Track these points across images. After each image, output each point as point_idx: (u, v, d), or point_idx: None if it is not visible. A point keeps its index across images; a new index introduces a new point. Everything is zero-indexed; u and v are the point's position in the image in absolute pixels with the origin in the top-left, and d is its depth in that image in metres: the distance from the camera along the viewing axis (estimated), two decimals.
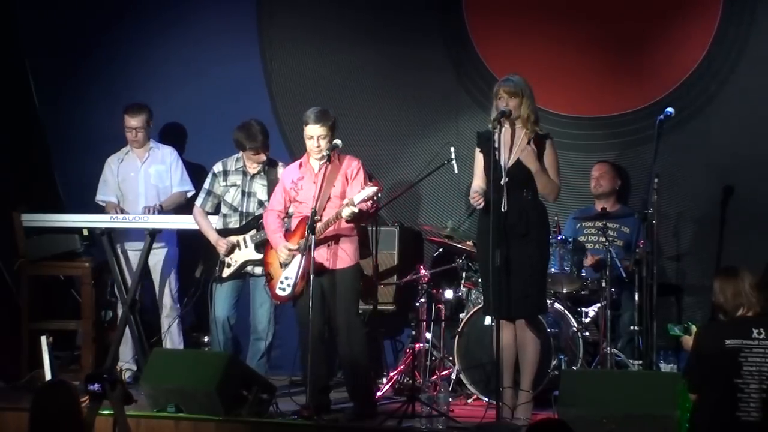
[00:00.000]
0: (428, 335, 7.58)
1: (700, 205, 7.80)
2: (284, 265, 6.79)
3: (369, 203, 6.55)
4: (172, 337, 7.94)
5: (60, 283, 8.39)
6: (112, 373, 4.98)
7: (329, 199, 6.69)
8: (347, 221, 6.60)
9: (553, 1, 8.11)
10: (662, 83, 7.85)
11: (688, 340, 5.83)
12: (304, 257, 6.57)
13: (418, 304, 7.65)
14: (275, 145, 7.83)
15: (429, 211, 8.30)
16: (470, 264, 7.53)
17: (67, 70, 8.99)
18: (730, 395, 5.23)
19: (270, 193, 7.26)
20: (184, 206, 7.91)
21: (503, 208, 6.34)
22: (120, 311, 7.97)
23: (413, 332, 7.76)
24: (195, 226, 7.63)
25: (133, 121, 8.04)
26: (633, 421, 5.82)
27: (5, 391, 7.53)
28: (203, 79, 8.70)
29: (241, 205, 7.49)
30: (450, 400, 6.73)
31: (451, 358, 7.40)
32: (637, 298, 7.13)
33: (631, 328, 7.27)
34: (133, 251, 8.00)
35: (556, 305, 7.28)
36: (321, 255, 6.65)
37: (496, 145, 6.32)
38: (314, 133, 6.69)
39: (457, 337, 7.26)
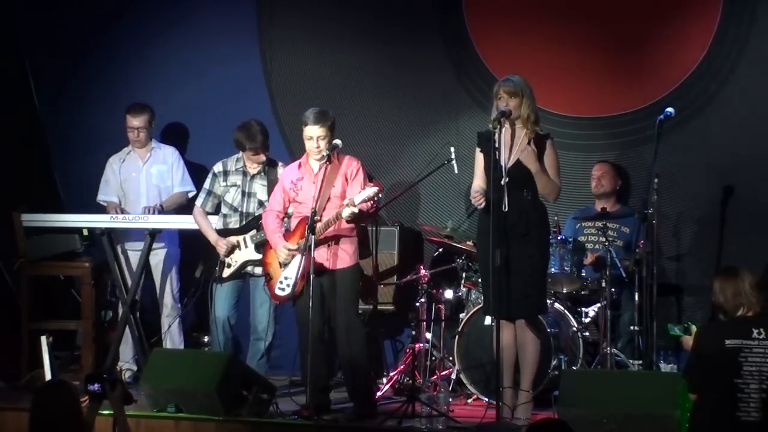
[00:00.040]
0: (428, 335, 7.58)
1: (700, 205, 7.80)
2: (283, 265, 6.79)
3: (369, 203, 6.55)
4: (172, 337, 7.94)
5: (60, 283, 8.39)
6: (112, 373, 4.97)
7: (329, 199, 6.69)
8: (347, 221, 6.60)
9: (553, 1, 8.10)
10: (662, 83, 7.85)
11: (688, 340, 5.83)
12: (303, 257, 6.57)
13: (418, 304, 7.65)
14: (275, 145, 7.83)
15: (429, 211, 8.30)
16: (470, 264, 7.53)
17: (67, 70, 8.99)
18: (730, 395, 5.23)
19: (270, 193, 7.26)
20: (185, 206, 7.91)
21: (504, 208, 6.34)
22: (120, 311, 7.96)
23: (413, 332, 7.76)
24: (195, 226, 7.63)
25: (135, 121, 8.04)
26: (633, 421, 5.82)
27: (5, 391, 7.53)
28: (203, 79, 8.70)
29: (241, 205, 7.49)
30: (450, 400, 6.74)
31: (451, 358, 7.40)
32: (637, 298, 7.13)
33: (631, 328, 7.27)
34: (134, 251, 8.01)
35: (556, 305, 7.28)
36: (321, 255, 6.65)
37: (496, 146, 6.32)
38: (313, 133, 6.69)
39: (457, 337, 7.26)
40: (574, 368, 7.10)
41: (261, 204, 7.39)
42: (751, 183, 7.62)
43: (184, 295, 8.04)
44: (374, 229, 6.83)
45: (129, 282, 7.92)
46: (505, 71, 6.87)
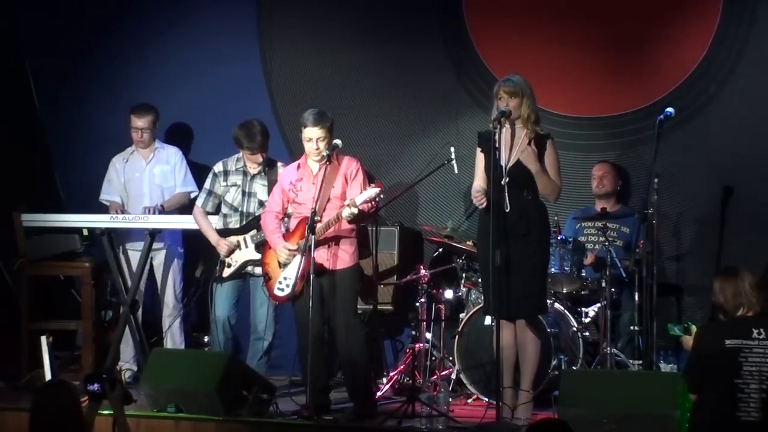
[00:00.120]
0: (428, 335, 7.58)
1: (700, 205, 7.80)
2: (283, 265, 6.79)
3: (369, 204, 6.55)
4: (173, 337, 7.94)
5: (60, 283, 8.39)
6: (111, 373, 4.96)
7: (329, 200, 6.69)
8: (348, 222, 6.60)
9: (553, 1, 8.10)
10: (662, 83, 7.85)
11: (688, 340, 5.83)
12: (303, 258, 6.57)
13: (418, 304, 7.65)
14: (275, 145, 7.83)
15: (429, 211, 8.30)
16: (470, 264, 7.53)
17: (67, 70, 8.99)
18: (730, 395, 5.23)
19: (270, 193, 7.26)
20: (187, 206, 7.90)
21: (506, 208, 6.34)
22: (121, 311, 7.96)
23: (413, 332, 7.76)
24: (195, 226, 7.63)
25: (140, 122, 8.05)
26: (633, 421, 5.82)
27: (5, 391, 7.53)
28: (203, 79, 8.70)
29: (242, 205, 7.49)
30: (450, 400, 6.73)
31: (451, 358, 7.40)
32: (637, 298, 7.13)
33: (631, 328, 7.27)
34: (135, 251, 8.00)
35: (556, 305, 7.28)
36: (321, 255, 6.65)
37: (497, 146, 6.32)
38: (313, 135, 6.69)
39: (457, 337, 7.26)
40: (574, 368, 7.10)
41: (261, 204, 7.39)
42: (751, 183, 7.62)
43: (186, 295, 8.05)
44: (374, 229, 6.83)
45: (129, 282, 7.92)
46: (505, 71, 6.87)
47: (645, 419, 5.80)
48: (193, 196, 7.96)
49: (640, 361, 7.06)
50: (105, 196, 8.16)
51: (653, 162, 6.94)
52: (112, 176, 8.16)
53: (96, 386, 4.79)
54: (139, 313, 7.97)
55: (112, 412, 4.92)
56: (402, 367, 7.56)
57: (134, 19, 8.89)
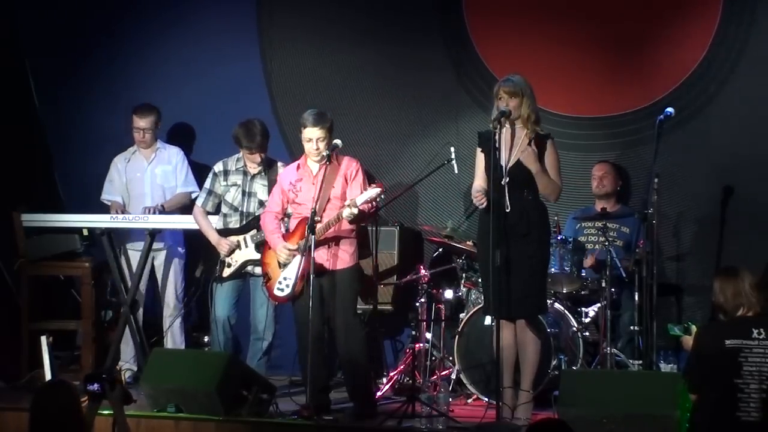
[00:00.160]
0: (428, 335, 7.58)
1: (700, 205, 7.80)
2: (283, 265, 6.79)
3: (370, 204, 6.55)
4: (174, 337, 7.94)
5: (60, 283, 8.39)
6: (111, 373, 4.96)
7: (329, 200, 6.69)
8: (348, 222, 6.60)
9: (553, 1, 8.10)
10: (662, 83, 7.85)
11: (688, 340, 5.83)
12: (303, 258, 6.57)
13: (418, 304, 7.65)
14: (275, 145, 7.83)
15: (429, 211, 8.30)
16: (470, 264, 7.53)
17: (67, 70, 8.99)
18: (730, 395, 5.23)
19: (270, 193, 7.25)
20: (189, 207, 7.90)
21: (506, 208, 6.34)
22: (121, 311, 7.97)
23: (413, 332, 7.76)
24: (195, 226, 7.63)
25: (142, 122, 8.04)
26: (633, 421, 5.82)
27: (5, 391, 7.52)
28: (203, 79, 8.70)
29: (242, 205, 7.49)
30: (450, 400, 6.73)
31: (451, 358, 7.40)
32: (637, 298, 7.13)
33: (631, 328, 7.27)
34: (136, 251, 8.00)
35: (556, 305, 7.28)
36: (321, 256, 6.65)
37: (497, 146, 6.32)
38: (312, 135, 6.69)
39: (457, 337, 7.25)
40: (574, 368, 7.10)
41: (261, 204, 7.39)
42: (751, 183, 7.62)
43: (187, 295, 8.05)
44: (374, 229, 6.83)
45: (129, 282, 7.92)
46: (505, 71, 6.87)
47: (645, 419, 5.80)
48: (194, 196, 7.96)
49: (640, 361, 7.05)
50: (106, 196, 8.16)
51: (653, 162, 6.94)
52: (114, 176, 8.16)
53: (96, 386, 4.79)
54: (140, 313, 7.98)
55: (112, 412, 4.93)
56: (402, 367, 7.56)
57: (134, 19, 8.89)
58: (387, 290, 7.83)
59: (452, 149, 7.36)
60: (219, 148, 7.90)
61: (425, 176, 7.42)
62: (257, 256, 7.26)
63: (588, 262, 7.44)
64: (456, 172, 7.43)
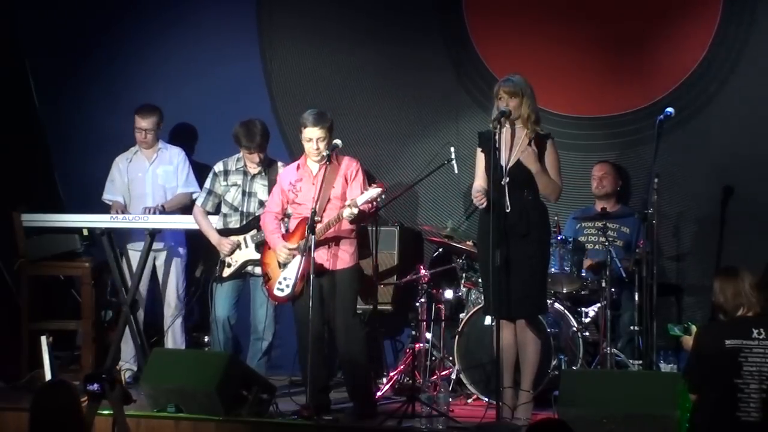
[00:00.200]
0: (428, 335, 7.58)
1: (700, 205, 7.80)
2: (283, 265, 6.79)
3: (370, 204, 6.55)
4: (174, 337, 7.94)
5: (60, 283, 8.39)
6: (111, 373, 4.96)
7: (329, 200, 6.69)
8: (349, 222, 6.60)
9: (553, 1, 8.10)
10: (662, 83, 7.85)
11: (688, 340, 5.83)
12: (303, 258, 6.57)
13: (418, 304, 7.65)
14: (275, 145, 7.83)
15: (429, 211, 8.30)
16: (470, 264, 7.53)
17: (67, 70, 8.99)
18: (730, 395, 5.23)
19: (270, 193, 7.25)
20: (189, 207, 7.89)
21: (507, 208, 6.34)
22: (121, 311, 7.97)
23: (413, 332, 7.76)
24: (195, 226, 7.63)
25: (144, 123, 8.04)
26: (633, 421, 5.82)
27: (5, 391, 7.52)
28: (203, 79, 8.70)
29: (242, 205, 7.49)
30: (450, 400, 6.73)
31: (451, 358, 7.40)
32: (637, 298, 7.13)
33: (631, 328, 7.27)
34: (137, 251, 7.99)
35: (556, 305, 7.28)
36: (321, 256, 6.65)
37: (497, 146, 6.31)
38: (313, 135, 6.69)
39: (457, 337, 7.25)
40: (574, 368, 7.10)
41: (261, 204, 7.39)
42: (751, 183, 7.62)
43: (188, 295, 8.06)
44: (374, 229, 6.83)
45: (129, 282, 7.91)
46: (505, 71, 6.87)
47: (645, 419, 5.80)
48: (194, 196, 7.95)
49: (640, 361, 7.05)
50: (108, 196, 8.16)
51: (653, 162, 6.94)
52: (115, 176, 8.16)
53: (95, 386, 4.79)
54: (140, 313, 7.97)
55: (111, 412, 4.93)
56: (402, 367, 7.56)
57: (134, 19, 8.88)
58: (387, 290, 7.83)
59: (452, 149, 7.36)
60: (219, 148, 7.90)
61: (425, 176, 7.42)
62: (257, 256, 7.26)
63: (586, 263, 7.44)
64: (456, 172, 7.44)
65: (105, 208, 8.11)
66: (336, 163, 6.73)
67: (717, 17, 7.74)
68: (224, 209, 7.55)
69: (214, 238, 7.46)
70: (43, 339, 7.33)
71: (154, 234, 7.82)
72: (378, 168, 8.14)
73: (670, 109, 7.03)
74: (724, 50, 7.75)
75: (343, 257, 6.71)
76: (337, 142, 6.72)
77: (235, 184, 7.52)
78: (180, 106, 8.61)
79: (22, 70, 8.97)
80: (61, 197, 8.95)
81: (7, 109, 8.69)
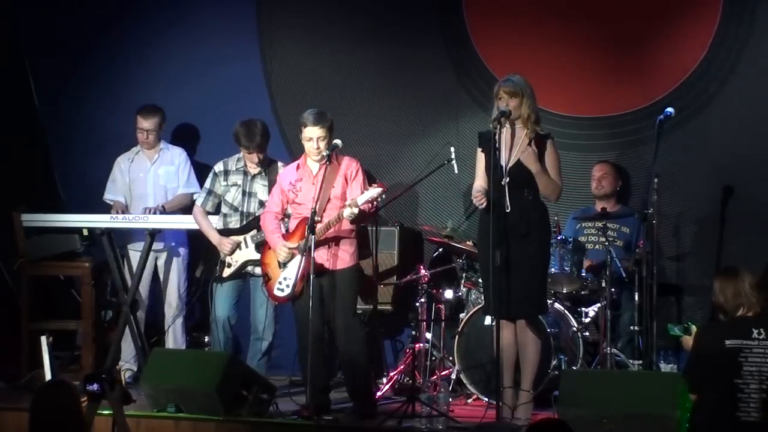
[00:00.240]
0: (428, 335, 7.58)
1: (700, 205, 7.80)
2: (283, 265, 6.79)
3: (370, 204, 6.55)
4: (175, 337, 7.94)
5: (60, 283, 8.39)
6: (111, 373, 4.96)
7: (329, 200, 6.69)
8: (349, 222, 6.60)
9: (553, 1, 8.10)
10: (662, 83, 7.85)
11: (688, 340, 5.83)
12: (303, 258, 6.57)
13: (418, 304, 7.65)
14: (275, 145, 7.83)
15: (429, 211, 8.30)
16: (470, 264, 7.53)
17: (67, 70, 8.99)
18: (730, 395, 5.23)
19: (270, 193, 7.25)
20: (190, 208, 7.88)
21: (507, 208, 6.34)
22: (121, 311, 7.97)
23: (413, 332, 7.76)
24: (194, 226, 7.63)
25: (146, 123, 8.04)
26: (633, 421, 5.82)
27: (5, 391, 7.52)
28: (203, 79, 8.70)
29: (242, 205, 7.49)
30: (450, 400, 6.73)
31: (451, 358, 7.40)
32: (637, 298, 7.13)
33: (631, 328, 7.26)
34: (138, 252, 7.97)
35: (556, 305, 7.28)
36: (321, 256, 6.65)
37: (497, 146, 6.31)
38: (313, 134, 6.69)
39: (457, 337, 7.25)
40: (574, 368, 7.10)
41: (261, 204, 7.38)
42: (751, 183, 7.62)
43: (188, 295, 8.06)
44: (374, 229, 6.83)
45: (130, 282, 7.91)
46: (505, 71, 6.87)
47: (645, 419, 5.80)
48: (195, 197, 7.95)
49: (640, 361, 7.05)
50: (109, 196, 8.16)
51: (653, 162, 6.94)
52: (117, 176, 8.16)
53: (95, 386, 4.79)
54: (141, 313, 7.97)
55: (111, 412, 4.93)
56: (402, 367, 7.56)
57: (134, 19, 8.88)
58: (387, 290, 7.83)
59: (452, 149, 7.37)
60: (219, 148, 7.90)
61: (425, 176, 7.42)
62: (257, 256, 7.26)
63: (586, 263, 7.44)
64: (456, 172, 7.44)
65: (105, 208, 8.10)
66: (336, 163, 6.73)
67: (717, 17, 7.74)
68: (224, 209, 7.55)
69: (214, 238, 7.46)
70: (43, 339, 7.33)
71: (154, 234, 7.82)
72: (378, 168, 8.14)
73: (670, 109, 7.03)
74: (724, 50, 7.75)
75: (343, 257, 6.71)
76: (337, 142, 6.72)
77: (235, 184, 7.52)
78: (180, 106, 8.61)
79: (22, 70, 8.97)
80: (61, 197, 8.95)
81: (7, 109, 8.69)
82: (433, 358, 7.55)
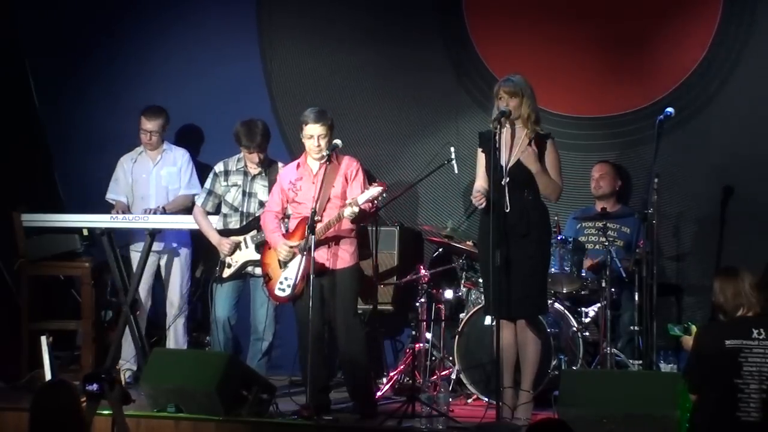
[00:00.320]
0: (428, 335, 7.58)
1: (700, 205, 7.80)
2: (283, 265, 6.79)
3: (370, 203, 6.55)
4: (177, 337, 7.94)
5: (60, 283, 8.39)
6: (110, 373, 4.96)
7: (329, 199, 6.69)
8: (350, 221, 6.60)
9: (553, 1, 8.10)
10: (662, 83, 7.85)
11: (688, 340, 5.83)
12: (303, 258, 6.57)
13: (418, 304, 7.64)
14: (275, 145, 7.83)
15: (429, 211, 8.30)
16: (470, 264, 7.53)
17: (67, 70, 8.99)
18: (730, 395, 5.23)
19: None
20: (191, 209, 7.86)
21: (506, 208, 6.34)
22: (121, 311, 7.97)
23: (413, 332, 7.76)
24: (194, 226, 7.63)
25: (149, 125, 8.04)
26: (633, 421, 5.82)
27: (5, 391, 7.53)
28: (203, 79, 8.70)
29: (242, 205, 7.49)
30: (450, 400, 6.73)
31: (451, 358, 7.40)
32: (637, 298, 7.13)
33: (631, 328, 7.27)
34: (139, 252, 7.98)
35: (556, 305, 7.28)
36: (321, 255, 6.65)
37: (497, 146, 6.31)
38: (314, 132, 6.69)
39: (457, 337, 7.25)
40: (574, 368, 7.10)
41: (261, 204, 7.38)
42: (751, 183, 7.62)
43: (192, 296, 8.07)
44: (374, 229, 6.83)
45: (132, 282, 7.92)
46: (505, 71, 6.87)
47: (645, 419, 5.80)
48: (196, 198, 7.94)
49: (640, 361, 7.05)
50: (111, 195, 8.17)
51: (653, 162, 6.94)
52: (120, 176, 8.16)
53: (95, 386, 4.79)
54: (142, 313, 7.97)
55: (111, 412, 4.93)
56: (402, 367, 7.56)
57: (134, 19, 8.89)
58: (387, 290, 7.83)
59: (452, 149, 7.36)
60: (218, 148, 7.90)
61: (425, 176, 7.42)
62: (257, 256, 7.25)
63: (586, 263, 7.44)
64: (456, 172, 7.44)
65: (105, 208, 8.10)
66: (336, 162, 6.73)
67: (717, 17, 7.74)
68: (224, 209, 7.55)
69: (214, 238, 7.46)
70: (43, 339, 7.33)
71: (154, 234, 7.82)
72: (378, 168, 8.14)
73: (670, 109, 7.03)
74: (724, 50, 7.75)
75: (343, 257, 6.71)
76: (337, 142, 6.72)
77: (235, 185, 7.52)
78: (180, 106, 8.61)
79: (22, 70, 8.97)
80: (61, 197, 8.95)
81: (7, 109, 8.69)
82: (433, 358, 7.55)
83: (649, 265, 6.92)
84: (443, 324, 7.62)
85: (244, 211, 7.48)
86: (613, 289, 7.28)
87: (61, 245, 7.97)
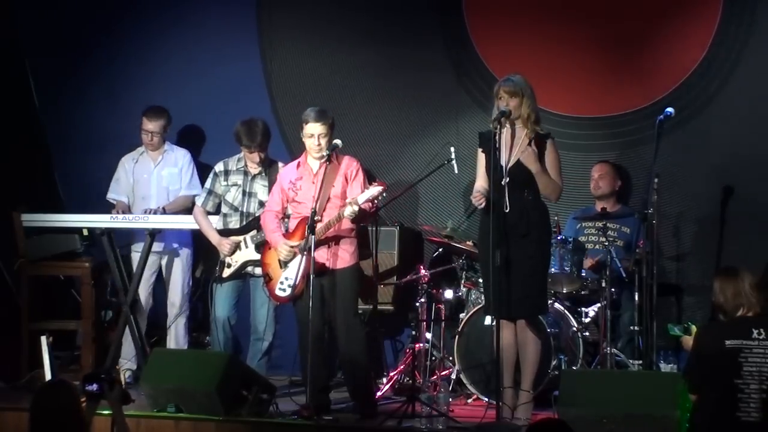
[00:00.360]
0: (428, 335, 7.58)
1: (700, 205, 7.80)
2: (284, 265, 6.79)
3: (370, 203, 6.55)
4: (177, 336, 7.94)
5: (60, 283, 8.39)
6: (110, 373, 4.96)
7: (329, 199, 6.69)
8: (350, 221, 6.60)
9: (553, 1, 8.10)
10: (662, 83, 7.85)
11: (688, 340, 5.83)
12: (304, 258, 6.57)
13: (418, 304, 7.65)
14: (275, 145, 7.83)
15: (429, 211, 8.30)
16: (470, 264, 7.53)
17: (67, 70, 8.99)
18: (730, 395, 5.23)
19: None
20: (191, 209, 7.86)
21: (506, 208, 6.34)
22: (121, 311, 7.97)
23: (413, 332, 7.77)
24: (194, 226, 7.63)
25: (151, 125, 8.04)
26: (633, 421, 5.82)
27: (5, 391, 7.53)
28: (203, 79, 8.70)
29: (242, 205, 7.49)
30: (450, 400, 6.73)
31: (451, 358, 7.40)
32: (637, 298, 7.13)
33: (631, 328, 7.27)
34: (140, 252, 7.98)
35: (556, 305, 7.28)
36: (321, 255, 6.65)
37: (497, 146, 6.31)
38: (315, 131, 6.69)
39: (457, 337, 7.25)
40: (574, 368, 7.10)
41: (261, 204, 7.38)
42: (751, 183, 7.62)
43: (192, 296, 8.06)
44: (374, 229, 6.83)
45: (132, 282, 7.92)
46: (505, 71, 6.87)
47: (645, 419, 5.80)
48: (196, 198, 7.94)
49: (640, 361, 7.05)
50: (112, 195, 8.17)
51: (653, 162, 6.94)
52: (121, 175, 8.16)
53: (94, 386, 4.79)
54: (143, 313, 7.97)
55: (111, 412, 4.93)
56: (402, 367, 7.56)
57: (134, 19, 8.89)
58: (387, 290, 7.84)
59: (452, 149, 7.36)
60: (218, 148, 7.90)
61: (425, 176, 7.42)
62: (257, 256, 7.25)
63: (587, 263, 7.44)
64: (456, 172, 7.44)
65: (105, 208, 8.10)
66: (336, 162, 6.73)
67: (717, 17, 7.74)
68: (224, 209, 7.55)
69: (214, 238, 7.46)
70: (43, 339, 7.33)
71: (154, 234, 7.82)
72: (378, 168, 8.14)
73: (670, 109, 7.03)
74: (724, 50, 7.75)
75: (343, 256, 6.71)
76: (337, 142, 6.72)
77: (235, 184, 7.52)
78: (180, 106, 8.60)
79: (22, 70, 8.97)
80: (61, 197, 8.95)
81: (7, 109, 8.69)
82: (433, 358, 7.55)
83: (649, 265, 6.92)
84: (443, 324, 7.62)
85: (244, 210, 7.48)
86: (613, 289, 7.28)
87: (61, 245, 7.97)
